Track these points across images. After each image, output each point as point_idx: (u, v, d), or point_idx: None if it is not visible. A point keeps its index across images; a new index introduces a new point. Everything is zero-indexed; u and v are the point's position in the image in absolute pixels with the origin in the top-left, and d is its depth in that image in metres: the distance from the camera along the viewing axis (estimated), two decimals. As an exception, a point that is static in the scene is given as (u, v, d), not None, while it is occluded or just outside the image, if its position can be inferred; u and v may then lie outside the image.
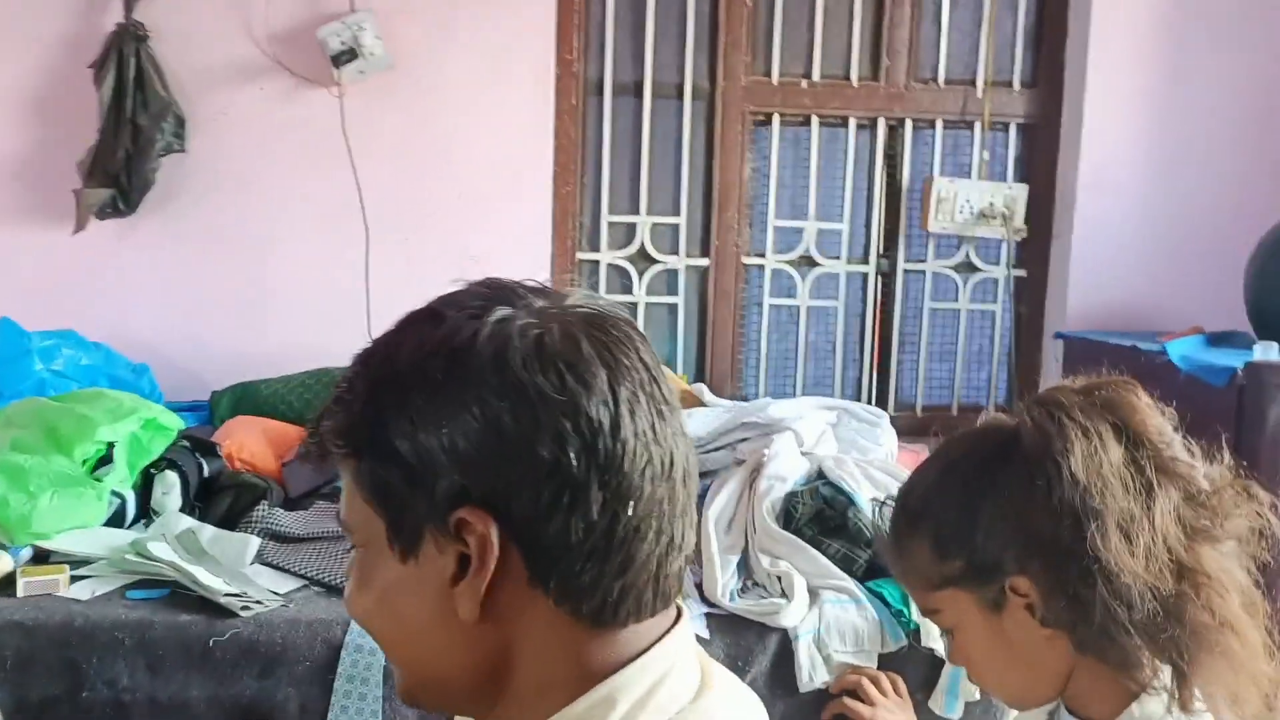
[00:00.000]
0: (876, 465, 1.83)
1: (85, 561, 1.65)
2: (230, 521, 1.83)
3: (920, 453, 2.17)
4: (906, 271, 3.01)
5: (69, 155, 2.49)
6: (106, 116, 2.47)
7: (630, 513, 0.68)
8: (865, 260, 3.00)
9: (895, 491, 1.19)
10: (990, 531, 1.04)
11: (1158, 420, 1.04)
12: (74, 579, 1.59)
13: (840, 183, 2.96)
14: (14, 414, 1.77)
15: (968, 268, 3.03)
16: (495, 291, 0.73)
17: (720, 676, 0.77)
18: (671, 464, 0.71)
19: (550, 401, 0.67)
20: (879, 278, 3.01)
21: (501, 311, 0.70)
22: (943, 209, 2.92)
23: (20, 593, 1.54)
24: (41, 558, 1.64)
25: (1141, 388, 1.06)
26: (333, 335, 2.08)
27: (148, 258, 2.63)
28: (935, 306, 3.03)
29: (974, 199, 2.92)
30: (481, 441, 0.67)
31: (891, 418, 2.18)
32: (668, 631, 0.73)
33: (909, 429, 2.14)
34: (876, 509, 1.21)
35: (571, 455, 0.66)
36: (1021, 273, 3.03)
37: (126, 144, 2.46)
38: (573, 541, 0.67)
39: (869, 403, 2.89)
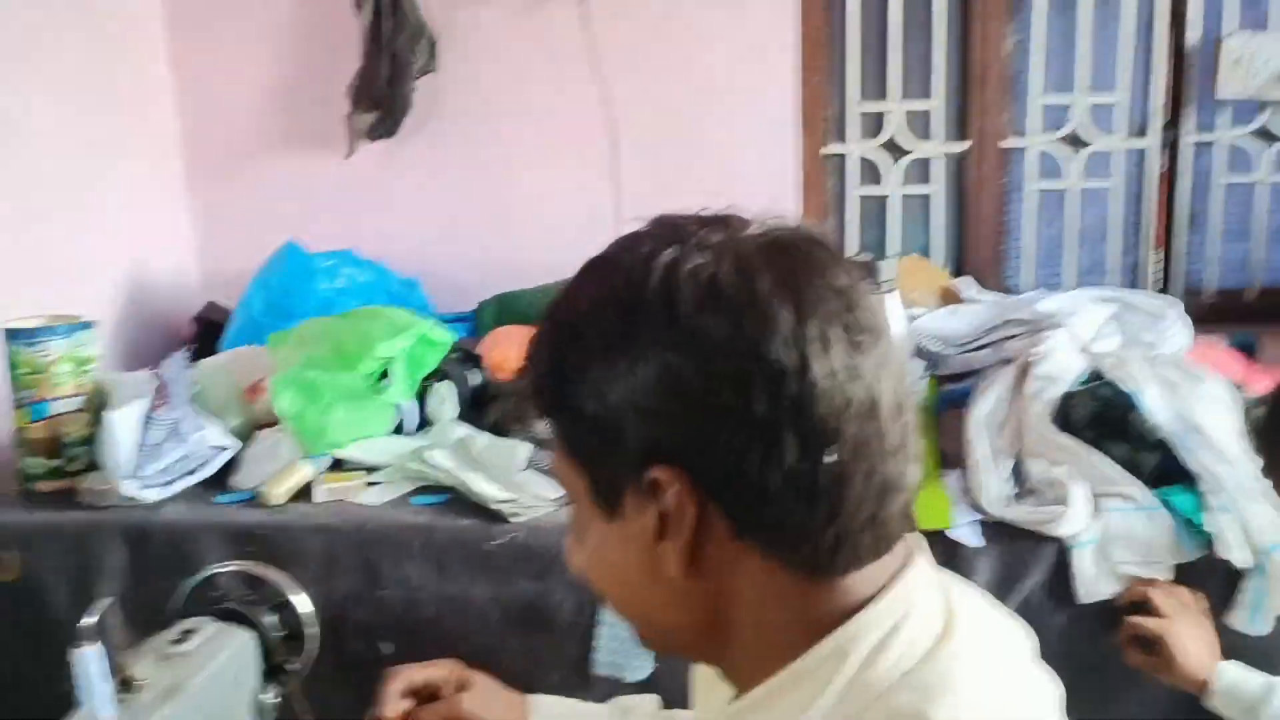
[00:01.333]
0: (1165, 361, 1.68)
1: (374, 469, 1.76)
2: (500, 429, 1.92)
3: (1215, 344, 1.98)
4: (1195, 144, 2.72)
5: (334, 82, 2.62)
6: (368, 42, 2.57)
7: (832, 457, 0.64)
8: (1144, 134, 2.74)
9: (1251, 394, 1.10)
10: None
11: None
12: (367, 485, 1.71)
13: (1114, 47, 2.70)
14: (303, 333, 1.90)
15: (1266, 136, 2.71)
16: (666, 230, 0.69)
17: (966, 619, 0.71)
18: (876, 400, 0.66)
19: (726, 348, 0.63)
20: (1166, 150, 2.74)
21: (671, 253, 0.66)
22: (1237, 70, 2.61)
23: (319, 498, 1.67)
24: (336, 466, 1.77)
25: None
26: (587, 243, 2.14)
27: (411, 177, 2.75)
28: (1229, 181, 2.74)
29: (1275, 56, 2.59)
30: (663, 395, 0.64)
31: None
32: (897, 575, 0.70)
33: (1199, 317, 1.94)
34: (1246, 411, 1.12)
35: (756, 402, 0.63)
36: (1333, 136, 2.68)
37: (386, 68, 2.56)
38: (772, 491, 0.64)
39: (1150, 290, 2.67)
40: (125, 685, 1.06)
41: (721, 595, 0.68)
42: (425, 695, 1.24)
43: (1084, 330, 1.77)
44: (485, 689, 1.17)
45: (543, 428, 0.74)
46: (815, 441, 0.64)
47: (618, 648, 1.58)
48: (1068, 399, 1.63)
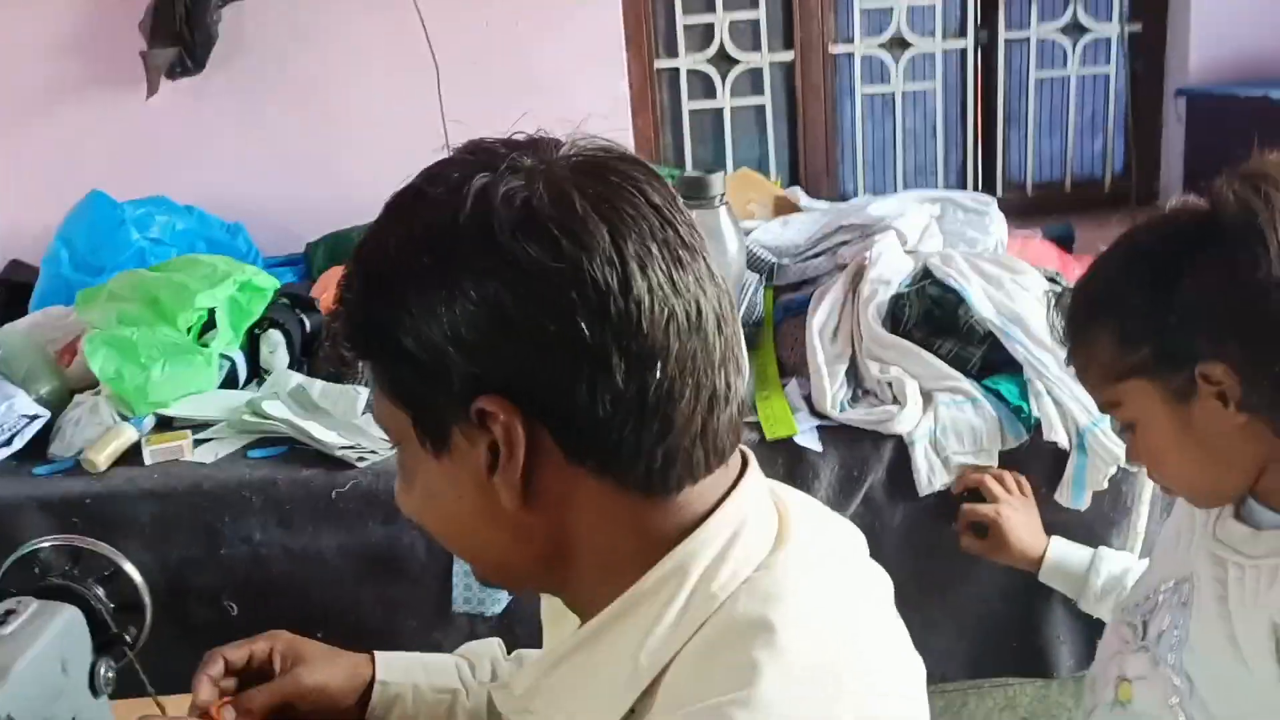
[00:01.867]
0: (986, 258, 1.74)
1: (205, 425, 1.69)
2: (337, 375, 1.86)
3: (1031, 238, 2.06)
4: (1008, 42, 2.80)
5: (132, 19, 2.45)
6: (159, -28, 2.41)
7: (659, 374, 0.63)
8: (962, 34, 2.80)
9: (1067, 284, 1.13)
10: (1184, 315, 0.98)
11: None
12: (196, 443, 1.64)
13: (929, -50, 2.75)
14: (115, 288, 1.80)
15: (1076, 29, 2.81)
16: (477, 156, 0.66)
17: (799, 523, 0.72)
18: (699, 313, 0.65)
19: (547, 272, 0.61)
20: (978, 51, 2.81)
21: (482, 179, 0.63)
22: (1045, -33, 2.68)
23: (148, 460, 1.59)
24: (164, 425, 1.69)
25: None
26: (414, 171, 2.08)
27: (225, 115, 2.61)
28: (1042, 76, 2.84)
29: (1079, -49, 2.68)
30: (484, 326, 0.62)
31: (1001, 200, 2.07)
32: (733, 487, 0.70)
33: (1020, 210, 2.02)
34: (1050, 301, 1.14)
35: (582, 325, 0.61)
36: (1136, 27, 2.79)
37: (184, -1, 2.41)
38: (602, 415, 0.63)
39: (976, 187, 2.77)
40: (-62, 677, 1.00)
41: (559, 524, 0.67)
42: (253, 674, 1.16)
43: (911, 232, 1.81)
44: (323, 656, 1.09)
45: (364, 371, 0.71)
46: (642, 360, 0.62)
47: (474, 584, 1.56)
48: (898, 300, 1.67)
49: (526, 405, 0.63)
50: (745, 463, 0.71)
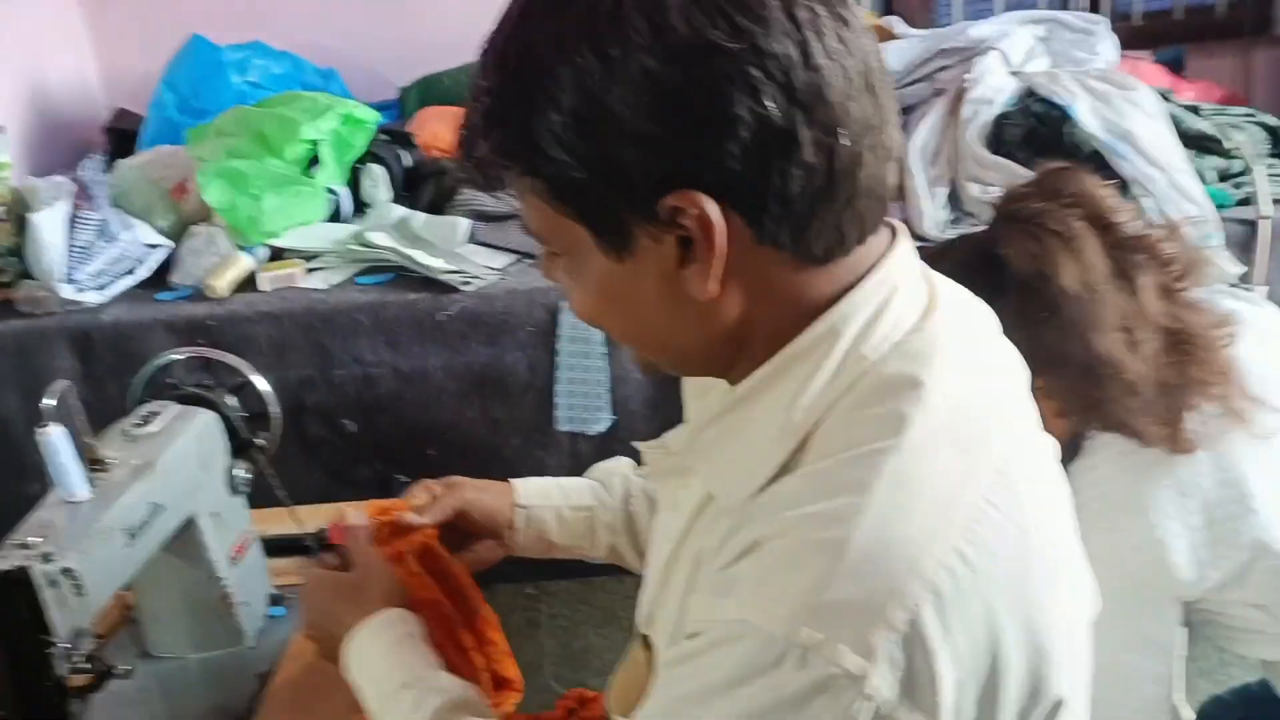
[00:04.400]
0: (1095, 75, 1.69)
1: (314, 255, 1.74)
2: (437, 207, 1.89)
3: (1142, 59, 1.99)
4: None
5: None
6: None
7: (846, 141, 0.62)
8: None
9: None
10: None
11: (1111, 198, 1.04)
12: (308, 272, 1.70)
13: None
14: (222, 124, 1.84)
15: None
16: None
17: (947, 291, 0.73)
18: (868, 70, 0.63)
19: (727, 53, 0.59)
20: None
21: None
22: None
23: (263, 287, 1.65)
24: (276, 256, 1.75)
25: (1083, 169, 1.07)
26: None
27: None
28: (1156, -104, 2.67)
29: None
30: (666, 118, 0.60)
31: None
32: (886, 252, 0.69)
33: (1127, 41, 1.93)
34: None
35: (769, 104, 0.59)
36: None
37: None
38: (794, 191, 0.62)
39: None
40: (95, 465, 1.07)
41: (741, 305, 0.66)
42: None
43: (1015, 52, 1.76)
44: (472, 480, 1.14)
45: (491, 199, 0.69)
46: (829, 130, 0.61)
47: (577, 403, 1.62)
48: (1001, 121, 1.64)
49: (717, 193, 0.61)
50: (895, 232, 0.72)
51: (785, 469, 0.67)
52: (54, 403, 0.98)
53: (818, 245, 0.65)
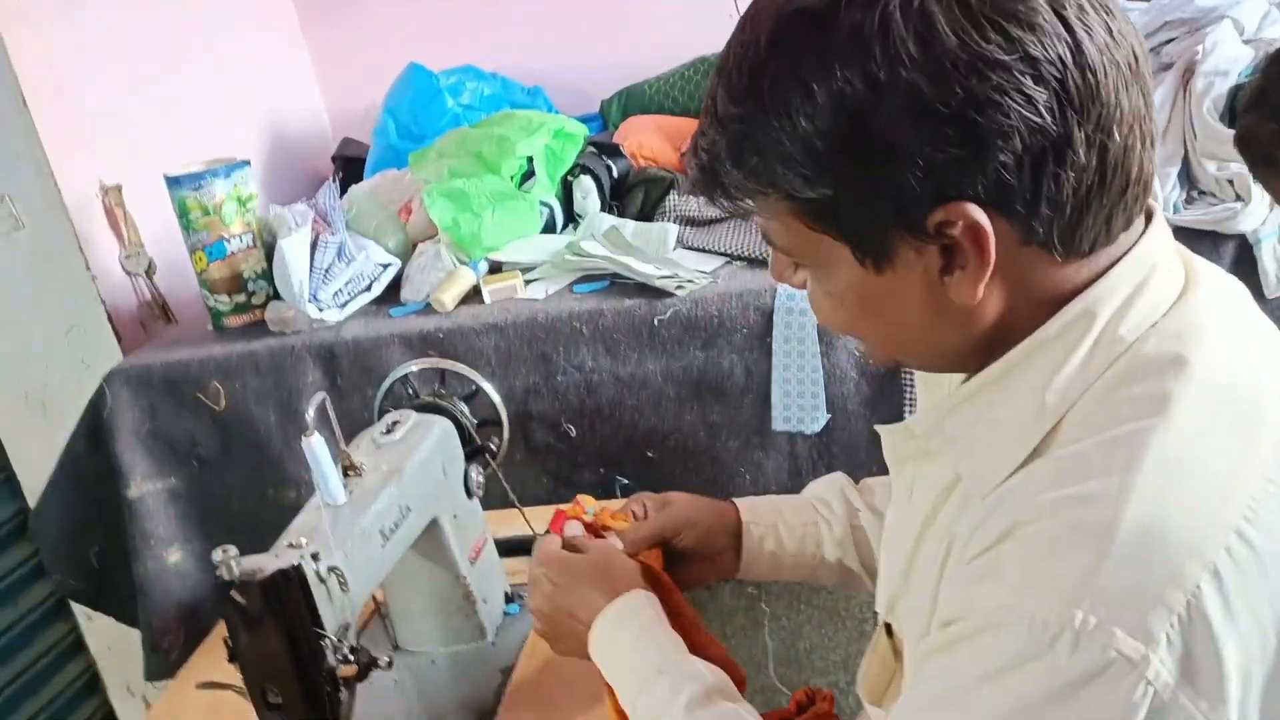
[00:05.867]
0: (1345, 36, 1.56)
1: (531, 267, 1.81)
2: (645, 215, 1.93)
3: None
4: None
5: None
6: None
7: (1117, 136, 0.61)
8: None
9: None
10: None
11: None
12: (526, 283, 1.76)
13: None
14: (442, 147, 1.93)
15: None
16: None
17: (1204, 270, 0.71)
18: (1134, 60, 0.62)
19: (1000, 65, 0.58)
20: None
21: None
22: None
23: (487, 299, 1.72)
24: (494, 269, 1.82)
25: None
26: (698, 31, 2.19)
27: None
28: None
29: None
30: (937, 136, 0.59)
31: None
32: (1143, 233, 0.68)
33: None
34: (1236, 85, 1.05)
35: (1045, 113, 0.58)
36: None
37: None
38: (1066, 194, 0.61)
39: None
40: (349, 471, 1.15)
41: (1004, 303, 0.66)
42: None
43: (1248, 18, 1.65)
44: (688, 498, 1.12)
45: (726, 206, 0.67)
46: (1102, 127, 0.60)
47: (793, 403, 1.61)
48: (1236, 92, 1.53)
49: (987, 203, 0.61)
50: (1150, 213, 0.70)
51: (1038, 452, 0.66)
52: (313, 414, 1.05)
53: (1086, 241, 0.64)
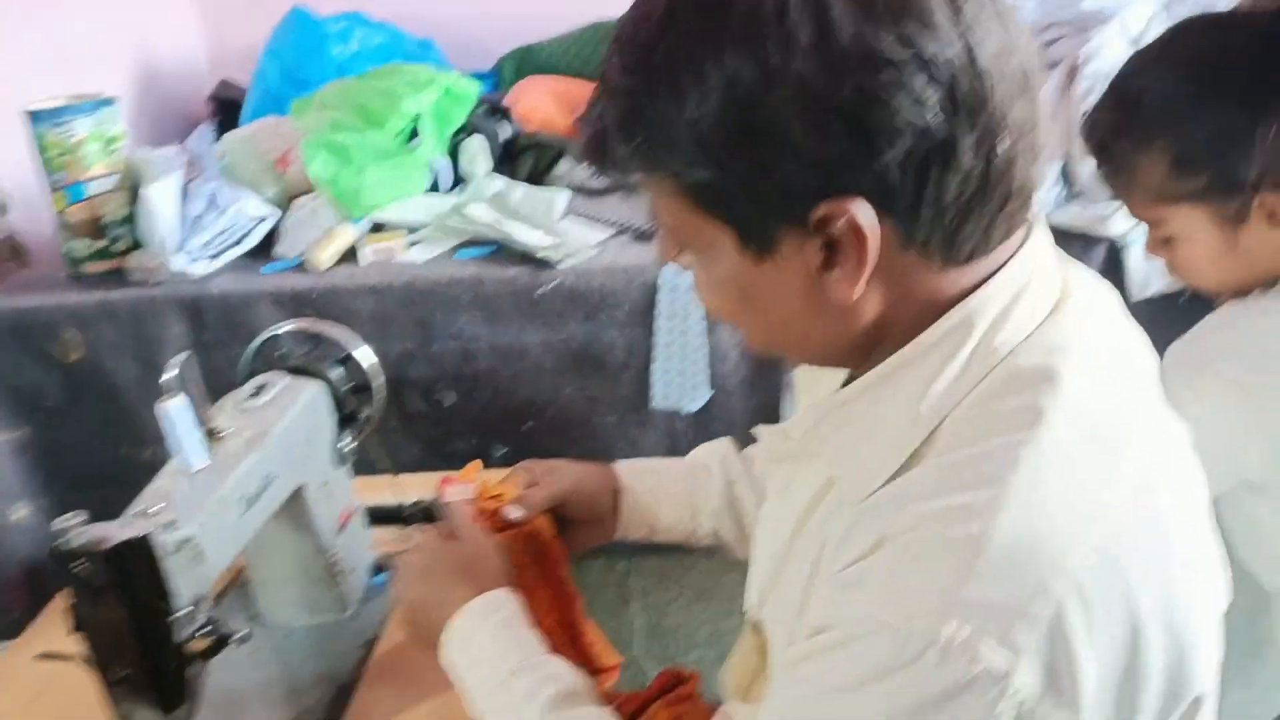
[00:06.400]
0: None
1: (413, 229, 1.76)
2: (535, 180, 1.90)
3: None
4: None
5: None
6: None
7: (1005, 144, 0.60)
8: None
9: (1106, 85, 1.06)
10: (1260, 146, 0.93)
11: None
12: (409, 245, 1.72)
13: None
14: (325, 97, 1.86)
15: None
16: None
17: (1080, 282, 0.71)
18: (1027, 72, 0.61)
19: (895, 63, 0.57)
20: None
21: None
22: None
23: (364, 260, 1.67)
24: (376, 229, 1.77)
25: None
26: None
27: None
28: None
29: None
30: (824, 129, 0.58)
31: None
32: (1022, 244, 0.68)
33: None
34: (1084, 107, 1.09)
35: (934, 114, 0.58)
36: None
37: None
38: (949, 198, 0.60)
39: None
40: (211, 436, 1.10)
41: (882, 303, 0.66)
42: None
43: (1134, 23, 1.69)
44: (571, 464, 1.12)
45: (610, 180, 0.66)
46: (990, 134, 0.60)
47: (674, 380, 1.61)
48: (1116, 97, 1.58)
49: (871, 200, 0.60)
50: (1032, 224, 0.70)
51: (912, 461, 0.66)
52: (174, 374, 1.00)
53: (965, 248, 0.64)
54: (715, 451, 1.13)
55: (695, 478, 1.11)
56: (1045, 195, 1.54)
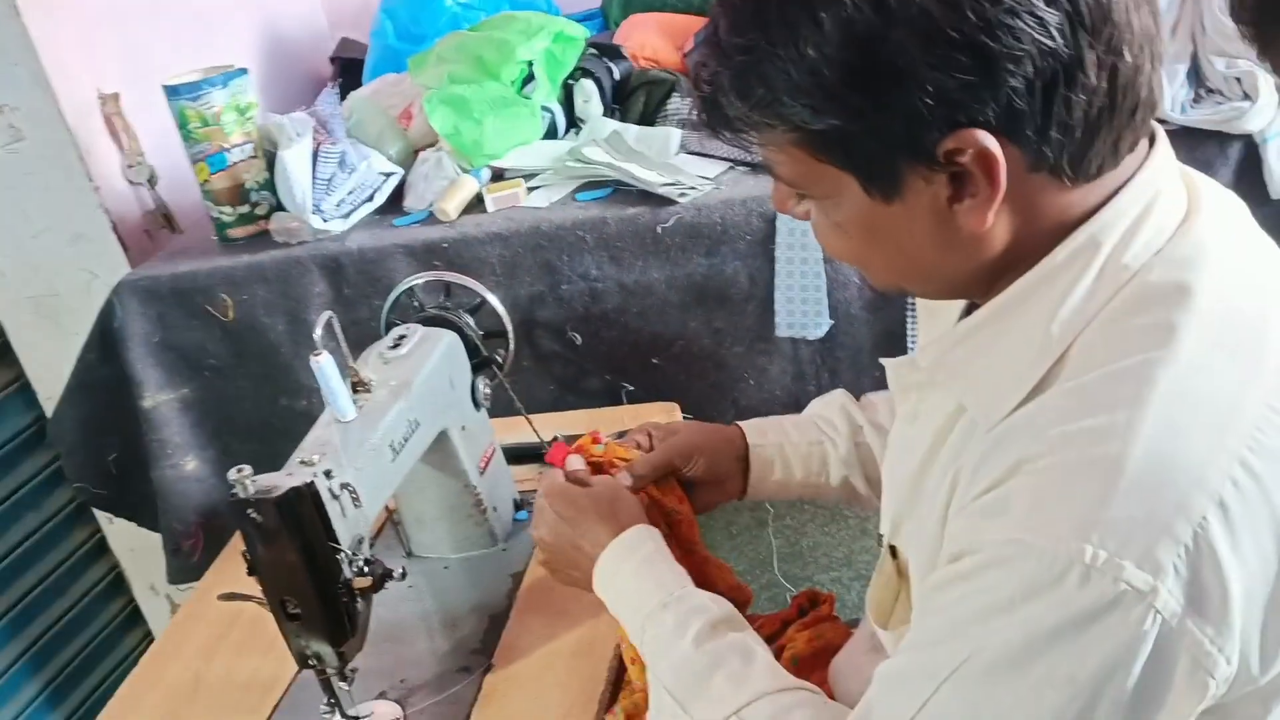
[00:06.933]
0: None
1: (534, 174, 1.80)
2: (648, 118, 1.91)
3: None
4: None
5: None
6: None
7: (1127, 59, 0.60)
8: None
9: None
10: None
11: None
12: (529, 190, 1.76)
13: None
14: (441, 51, 1.90)
15: None
16: None
17: (1207, 192, 0.70)
18: None
19: None
20: None
21: None
22: None
23: (490, 208, 1.72)
24: (497, 177, 1.81)
25: None
26: None
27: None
28: None
29: None
30: (947, 62, 0.58)
31: None
32: (1147, 156, 0.67)
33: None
34: None
35: (1057, 36, 0.58)
36: None
37: None
38: (1076, 117, 0.61)
39: None
40: (358, 387, 1.17)
41: (1011, 229, 0.66)
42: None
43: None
44: (691, 425, 1.13)
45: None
46: (1113, 49, 0.60)
47: (796, 309, 1.62)
48: (1252, -14, 1.50)
49: (997, 129, 0.61)
50: (1153, 137, 0.69)
51: (1043, 384, 0.66)
52: (320, 332, 1.07)
53: (1093, 165, 0.64)
54: (833, 402, 1.13)
55: (819, 429, 1.11)
56: (1175, 94, 1.48)
